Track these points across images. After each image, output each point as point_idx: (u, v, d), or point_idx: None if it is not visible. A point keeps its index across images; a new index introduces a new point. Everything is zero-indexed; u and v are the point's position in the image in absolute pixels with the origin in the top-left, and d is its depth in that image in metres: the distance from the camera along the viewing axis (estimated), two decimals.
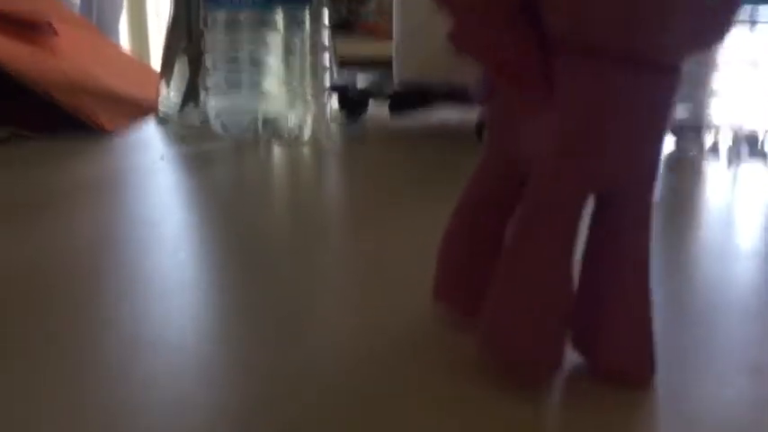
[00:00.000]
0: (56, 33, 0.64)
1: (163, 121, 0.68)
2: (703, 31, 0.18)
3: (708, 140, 0.51)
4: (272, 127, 0.59)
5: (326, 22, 0.60)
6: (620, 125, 0.18)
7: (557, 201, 0.19)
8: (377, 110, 0.70)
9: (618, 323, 0.20)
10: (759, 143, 0.50)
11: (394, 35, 0.65)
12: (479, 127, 0.55)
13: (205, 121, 0.61)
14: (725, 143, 0.50)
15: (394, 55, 0.66)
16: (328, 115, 0.63)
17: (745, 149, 0.50)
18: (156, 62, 0.75)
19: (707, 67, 0.49)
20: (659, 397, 0.19)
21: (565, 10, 0.18)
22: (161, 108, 0.69)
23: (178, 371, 0.20)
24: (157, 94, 0.69)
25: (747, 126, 0.50)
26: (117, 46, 0.85)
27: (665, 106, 0.19)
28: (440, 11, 0.20)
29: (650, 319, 0.20)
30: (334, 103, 0.71)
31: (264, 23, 0.57)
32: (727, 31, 0.18)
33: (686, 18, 0.17)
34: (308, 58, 0.58)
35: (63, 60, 0.61)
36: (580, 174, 0.19)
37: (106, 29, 0.82)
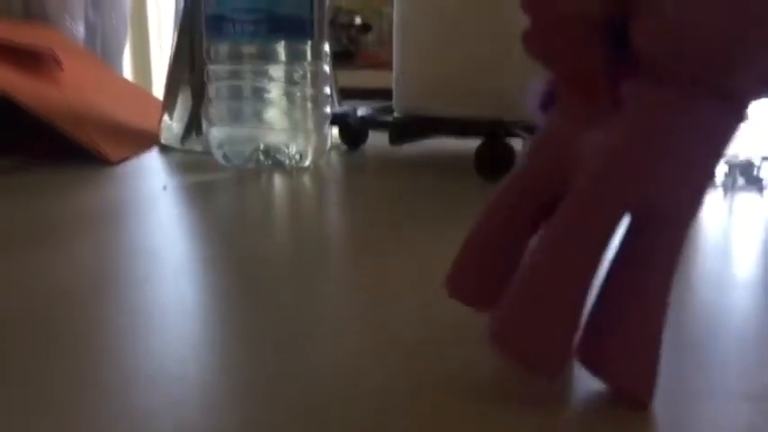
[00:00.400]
0: (60, 65, 0.65)
1: (165, 151, 0.69)
2: None
3: None
4: (273, 156, 0.59)
5: (327, 53, 0.61)
6: (678, 149, 0.18)
7: (592, 221, 0.19)
8: (377, 139, 0.71)
9: (630, 341, 0.20)
10: (754, 172, 0.50)
11: (394, 65, 0.66)
12: (477, 156, 0.55)
13: (207, 150, 0.61)
14: (721, 172, 0.51)
15: (394, 85, 0.66)
16: (329, 145, 0.64)
17: (740, 178, 0.50)
18: (158, 92, 0.76)
19: None
20: (657, 424, 0.19)
21: (660, 37, 0.18)
22: (163, 138, 0.70)
23: (179, 400, 0.20)
24: (160, 125, 0.70)
25: (742, 155, 0.50)
26: (120, 77, 0.86)
27: (725, 139, 0.19)
28: (522, 12, 0.21)
29: (660, 342, 0.20)
30: (334, 132, 0.71)
31: (267, 55, 0.57)
32: None
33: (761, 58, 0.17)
34: (310, 88, 0.59)
35: (67, 92, 0.62)
36: (622, 196, 0.19)
37: (110, 60, 0.83)
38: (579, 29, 0.19)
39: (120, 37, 0.87)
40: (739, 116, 0.19)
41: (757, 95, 0.18)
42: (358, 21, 1.84)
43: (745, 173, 0.50)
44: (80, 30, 0.76)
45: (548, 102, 0.23)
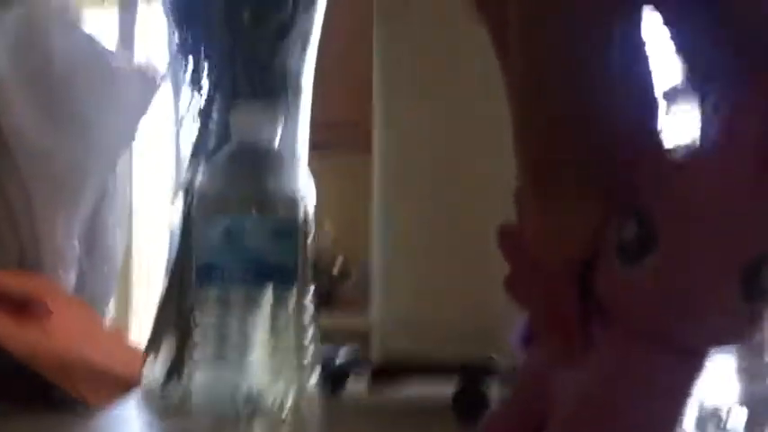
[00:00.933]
0: (50, 313, 0.67)
1: (147, 396, 0.69)
2: (730, 335, 0.20)
3: None
4: (254, 402, 0.59)
5: (310, 299, 0.64)
6: (638, 402, 0.20)
7: None
8: (356, 383, 0.71)
9: None
10: (723, 421, 0.51)
11: (371, 311, 0.69)
12: (455, 400, 0.56)
13: (189, 396, 0.61)
14: (690, 420, 0.51)
15: (372, 330, 0.68)
16: (309, 390, 0.64)
17: (710, 427, 0.51)
18: (138, 336, 0.77)
19: None
20: None
21: (610, 294, 0.20)
22: (145, 382, 0.70)
23: None
24: (143, 369, 0.70)
25: (711, 402, 0.51)
26: (106, 324, 0.87)
27: (687, 391, 0.20)
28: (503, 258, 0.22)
29: None
30: (315, 377, 0.72)
31: (252, 300, 0.59)
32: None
33: (734, 320, 0.19)
34: (293, 334, 0.60)
35: (55, 341, 0.63)
36: None
37: (97, 306, 0.86)
38: (554, 276, 0.21)
39: (109, 285, 0.90)
40: (699, 369, 0.20)
41: (714, 348, 0.20)
42: (336, 269, 1.90)
43: (715, 421, 0.51)
44: (71, 279, 0.79)
45: (529, 339, 0.24)
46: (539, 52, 0.19)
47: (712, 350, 0.20)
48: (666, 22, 0.20)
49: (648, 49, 0.20)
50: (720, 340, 0.20)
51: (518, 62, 0.20)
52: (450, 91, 0.64)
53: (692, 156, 0.20)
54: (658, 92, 0.21)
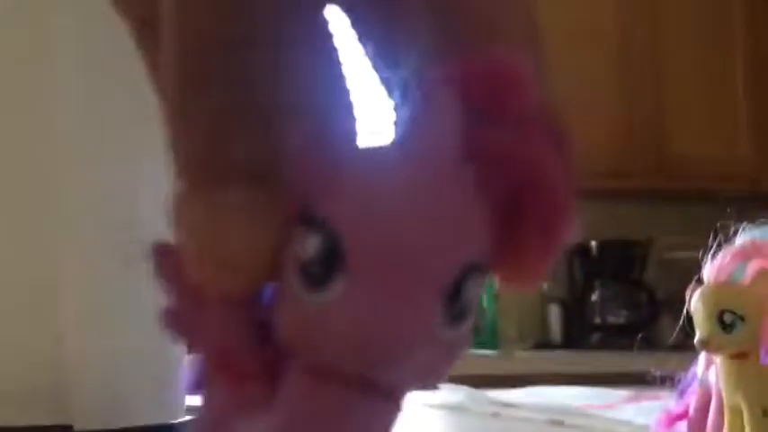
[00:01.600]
0: None
1: None
2: (433, 368, 0.17)
3: None
4: None
5: None
6: None
7: None
8: None
9: None
10: None
11: None
12: None
13: None
14: None
15: None
16: None
17: None
18: None
19: None
20: None
21: (293, 326, 0.16)
22: None
23: None
24: None
25: None
26: None
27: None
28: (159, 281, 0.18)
29: None
30: None
31: None
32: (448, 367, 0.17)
33: (417, 355, 0.16)
34: None
35: None
36: None
37: None
38: (224, 306, 0.17)
39: None
40: (392, 409, 0.18)
41: (414, 388, 0.18)
42: None
43: None
44: None
45: (201, 383, 0.20)
46: (198, 33, 0.17)
47: (415, 388, 0.18)
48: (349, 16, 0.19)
49: (336, 42, 0.18)
50: (422, 379, 0.17)
51: (174, 44, 0.17)
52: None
53: (379, 153, 0.17)
54: (351, 85, 0.18)
